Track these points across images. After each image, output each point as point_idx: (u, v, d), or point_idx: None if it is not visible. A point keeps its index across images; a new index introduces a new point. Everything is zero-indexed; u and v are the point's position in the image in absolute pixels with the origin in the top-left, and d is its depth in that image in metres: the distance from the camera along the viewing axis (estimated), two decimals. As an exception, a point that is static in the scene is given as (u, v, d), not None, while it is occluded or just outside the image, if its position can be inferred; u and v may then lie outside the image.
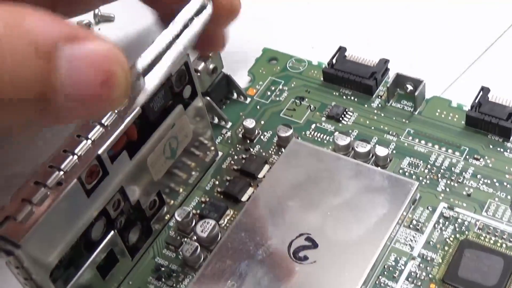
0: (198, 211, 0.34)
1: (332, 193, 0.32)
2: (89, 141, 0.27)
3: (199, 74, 0.35)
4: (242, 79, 0.39)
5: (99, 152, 0.27)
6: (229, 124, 0.37)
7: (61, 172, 0.26)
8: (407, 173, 0.33)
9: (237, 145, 0.36)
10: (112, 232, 0.30)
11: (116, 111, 0.27)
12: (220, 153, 0.36)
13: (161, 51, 0.26)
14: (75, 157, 0.26)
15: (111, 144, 0.27)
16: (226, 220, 0.33)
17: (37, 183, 0.26)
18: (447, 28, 0.41)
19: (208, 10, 0.27)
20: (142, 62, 0.25)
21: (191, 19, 0.27)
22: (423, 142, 0.34)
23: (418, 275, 0.30)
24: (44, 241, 0.26)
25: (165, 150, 0.31)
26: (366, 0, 0.44)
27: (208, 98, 0.36)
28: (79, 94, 0.21)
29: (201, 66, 0.35)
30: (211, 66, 0.36)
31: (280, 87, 0.38)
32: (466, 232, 0.31)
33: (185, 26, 0.26)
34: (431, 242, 0.31)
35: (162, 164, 0.31)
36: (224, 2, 0.28)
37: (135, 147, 0.29)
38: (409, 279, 0.30)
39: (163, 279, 0.32)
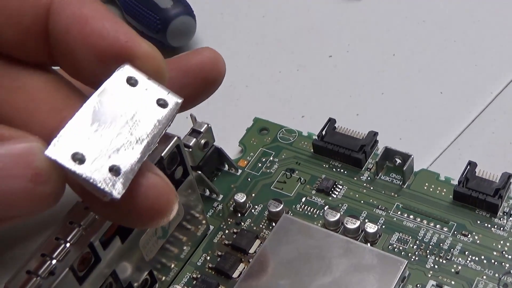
0: (190, 288, 0.34)
1: (322, 272, 0.32)
2: (82, 228, 0.27)
3: (190, 149, 0.35)
4: (233, 150, 0.40)
5: (92, 239, 0.27)
6: (221, 197, 0.37)
7: (54, 261, 0.26)
8: (396, 249, 0.34)
9: (228, 219, 0.36)
10: (104, 314, 0.30)
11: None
12: (211, 227, 0.36)
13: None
14: (68, 245, 0.27)
15: (103, 231, 0.28)
16: (217, 298, 0.33)
17: (29, 272, 0.26)
18: (435, 99, 0.42)
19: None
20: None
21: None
22: (411, 217, 0.35)
23: None
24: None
25: (157, 230, 0.32)
26: (355, 70, 0.44)
27: (199, 172, 0.36)
28: (9, 188, 0.22)
29: (192, 142, 0.35)
30: (203, 142, 0.36)
31: (271, 158, 0.39)
32: (455, 311, 0.31)
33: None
34: (420, 322, 0.31)
35: (153, 244, 0.32)
36: (145, 63, 0.25)
37: (127, 231, 0.30)
38: None
39: None
